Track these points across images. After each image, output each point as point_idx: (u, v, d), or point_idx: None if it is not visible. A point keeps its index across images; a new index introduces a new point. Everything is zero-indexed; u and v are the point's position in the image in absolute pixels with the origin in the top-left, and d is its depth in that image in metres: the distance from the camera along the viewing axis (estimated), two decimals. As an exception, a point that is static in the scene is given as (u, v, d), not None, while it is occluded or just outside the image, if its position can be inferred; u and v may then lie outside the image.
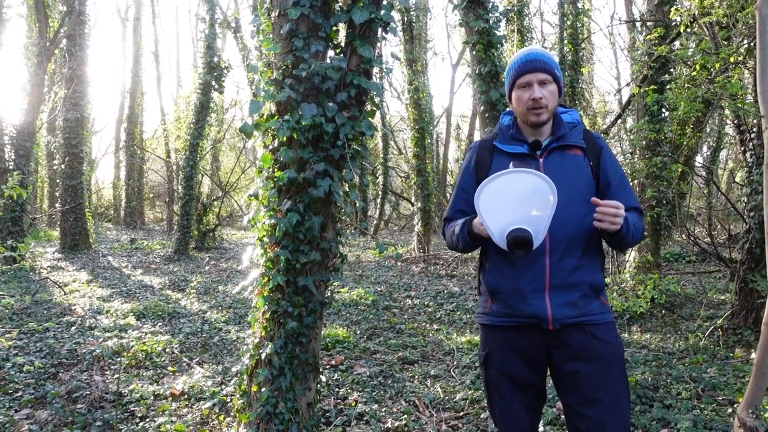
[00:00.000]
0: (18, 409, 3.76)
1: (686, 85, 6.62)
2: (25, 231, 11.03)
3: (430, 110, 16.19)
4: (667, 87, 7.23)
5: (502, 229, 1.87)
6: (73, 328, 5.94)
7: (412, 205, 16.49)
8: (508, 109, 2.26)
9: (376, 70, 3.13)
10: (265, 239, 3.02)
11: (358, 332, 6.03)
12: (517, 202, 1.87)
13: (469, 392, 4.12)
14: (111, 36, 64.99)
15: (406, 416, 3.70)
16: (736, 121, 5.96)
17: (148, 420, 3.62)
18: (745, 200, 5.69)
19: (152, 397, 4.01)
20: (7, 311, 6.48)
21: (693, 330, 5.82)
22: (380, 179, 20.13)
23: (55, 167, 15.77)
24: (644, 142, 7.27)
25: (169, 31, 69.27)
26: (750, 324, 5.46)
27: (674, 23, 6.82)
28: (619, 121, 10.00)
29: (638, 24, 8.44)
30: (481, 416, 3.72)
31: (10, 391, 4.05)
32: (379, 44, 3.03)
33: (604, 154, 2.08)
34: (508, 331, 2.04)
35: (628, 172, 7.19)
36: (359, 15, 2.79)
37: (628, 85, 9.51)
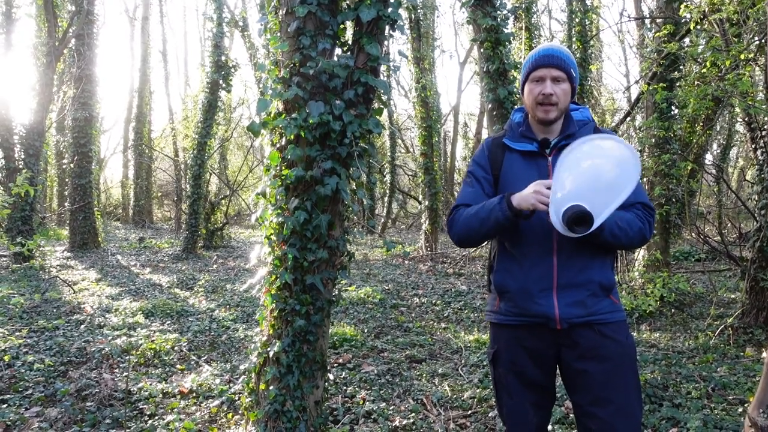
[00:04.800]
0: (28, 407, 3.79)
1: (696, 83, 6.57)
2: (34, 230, 11.10)
3: (437, 108, 16.16)
4: (677, 84, 7.17)
5: (566, 201, 1.80)
6: (82, 326, 5.97)
7: (420, 203, 16.48)
8: (519, 105, 2.24)
9: (383, 68, 3.12)
10: (273, 237, 3.02)
11: (366, 330, 6.03)
12: (596, 173, 1.85)
13: (477, 391, 4.11)
14: (119, 35, 65.38)
15: (413, 414, 3.70)
16: (746, 119, 5.91)
17: (156, 418, 3.64)
18: (756, 198, 5.64)
19: (161, 395, 4.03)
20: (17, 309, 6.53)
21: (703, 329, 5.78)
22: (387, 177, 20.11)
23: (64, 166, 15.88)
24: (653, 140, 7.22)
25: (177, 31, 69.84)
26: (761, 323, 5.42)
27: (684, 20, 6.77)
28: (628, 118, 9.94)
29: (647, 21, 8.39)
30: (489, 415, 3.71)
31: (20, 389, 4.07)
32: (386, 42, 3.02)
33: None
34: (516, 330, 2.03)
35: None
36: (366, 13, 2.78)
37: (637, 82, 9.44)
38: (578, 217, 1.77)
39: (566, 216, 1.78)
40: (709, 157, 13.59)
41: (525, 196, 1.88)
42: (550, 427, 3.39)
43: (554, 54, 2.01)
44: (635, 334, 5.78)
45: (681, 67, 7.24)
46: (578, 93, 10.55)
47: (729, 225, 13.29)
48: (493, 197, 2.09)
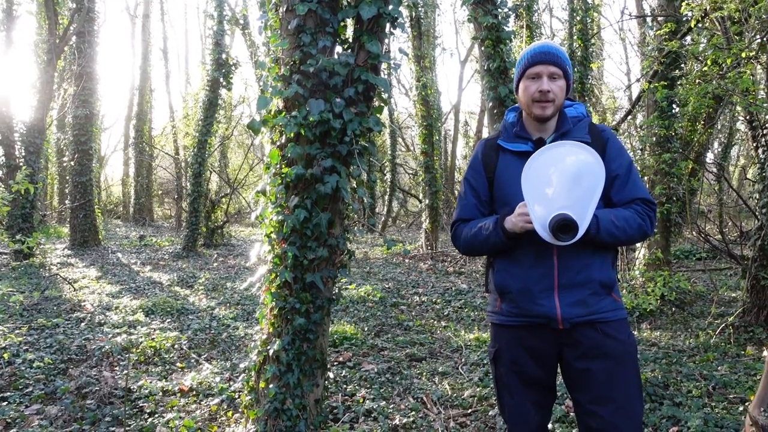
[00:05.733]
0: (28, 404, 3.79)
1: (697, 81, 6.56)
2: (35, 227, 11.10)
3: (438, 107, 16.13)
4: (678, 83, 7.15)
5: (547, 213, 1.84)
6: (82, 324, 5.97)
7: (420, 202, 16.46)
8: (513, 105, 2.23)
9: (384, 66, 3.11)
10: (273, 236, 3.02)
11: (366, 329, 6.03)
12: (562, 180, 1.88)
13: (477, 389, 4.11)
14: (120, 33, 65.39)
15: (413, 413, 3.69)
16: (747, 117, 5.89)
17: (156, 416, 3.64)
18: (757, 197, 5.63)
19: (161, 393, 4.03)
20: (17, 307, 6.53)
21: (704, 327, 5.78)
22: (388, 176, 20.10)
23: (64, 164, 15.87)
24: (654, 139, 7.21)
25: (177, 28, 69.99)
26: (762, 321, 5.41)
27: (685, 18, 6.75)
28: (629, 117, 9.92)
29: (649, 19, 8.37)
30: (489, 413, 3.70)
31: (20, 387, 4.07)
32: (387, 40, 3.01)
33: (609, 145, 2.04)
34: (518, 330, 2.02)
35: (638, 168, 7.13)
36: (367, 10, 2.77)
37: (638, 80, 9.43)
38: (561, 225, 1.80)
39: (551, 227, 1.82)
40: (710, 156, 13.56)
41: (514, 220, 1.92)
42: (550, 426, 3.38)
43: (550, 51, 2.01)
44: (636, 332, 5.78)
45: (682, 65, 7.22)
46: (579, 91, 10.57)
47: (730, 224, 13.27)
48: (491, 201, 2.12)
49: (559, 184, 1.88)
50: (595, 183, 1.89)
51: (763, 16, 5.27)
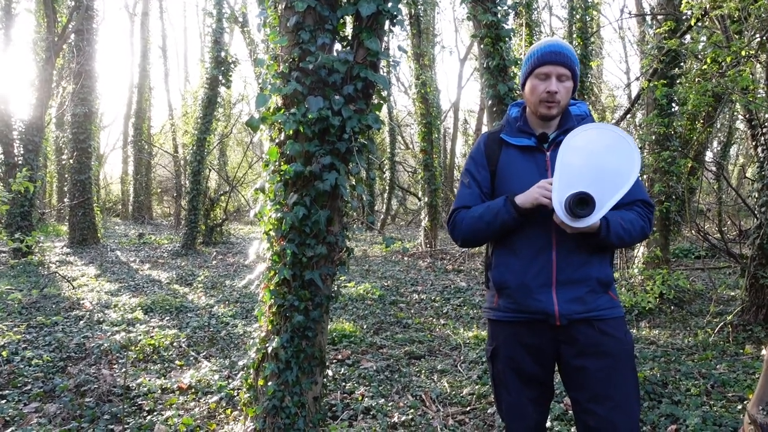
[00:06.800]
0: (27, 402, 3.79)
1: (697, 79, 6.55)
2: (34, 225, 11.09)
3: (437, 105, 16.10)
4: (678, 81, 7.15)
5: (568, 192, 1.84)
6: (81, 322, 5.97)
7: (419, 200, 16.46)
8: (513, 102, 2.23)
9: (383, 63, 3.10)
10: (272, 233, 3.01)
11: (365, 327, 6.03)
12: (598, 164, 1.90)
13: (476, 387, 4.11)
14: (119, 31, 65.25)
15: (412, 411, 3.69)
16: (747, 116, 5.89)
17: (155, 413, 3.63)
18: (756, 195, 5.64)
19: (160, 391, 4.02)
20: (15, 305, 6.53)
21: (702, 326, 5.78)
22: (387, 174, 20.09)
23: (63, 162, 15.85)
24: (654, 137, 7.21)
25: (176, 26, 69.86)
26: (760, 320, 5.41)
27: (685, 16, 6.75)
28: (629, 115, 9.92)
29: (648, 17, 8.37)
30: (488, 411, 3.71)
31: (19, 385, 4.07)
32: (386, 37, 3.01)
33: None
34: (515, 327, 2.02)
35: (637, 167, 7.12)
36: (366, 7, 2.76)
37: (637, 79, 9.43)
38: (580, 199, 1.80)
39: (568, 201, 1.80)
40: (709, 155, 13.56)
41: (528, 193, 1.90)
42: (549, 424, 3.38)
43: (561, 51, 1.99)
44: (635, 331, 5.78)
45: (682, 63, 7.22)
46: (579, 90, 10.56)
47: (729, 222, 13.29)
48: (491, 194, 2.11)
49: (593, 168, 1.89)
50: (625, 177, 1.89)
51: (763, 15, 5.27)
